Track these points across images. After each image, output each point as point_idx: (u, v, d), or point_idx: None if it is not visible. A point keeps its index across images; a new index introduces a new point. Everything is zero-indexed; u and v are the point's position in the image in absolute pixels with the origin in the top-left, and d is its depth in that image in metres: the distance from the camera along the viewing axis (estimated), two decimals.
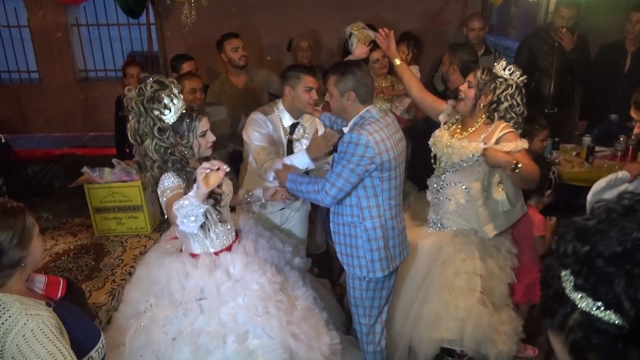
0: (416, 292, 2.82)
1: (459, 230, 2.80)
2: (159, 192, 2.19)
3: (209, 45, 4.44)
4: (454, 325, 2.64)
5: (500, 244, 2.83)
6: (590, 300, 0.71)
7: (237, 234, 2.53)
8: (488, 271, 2.73)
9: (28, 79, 5.91)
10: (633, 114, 2.59)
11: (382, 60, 3.89)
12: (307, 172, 2.76)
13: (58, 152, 5.14)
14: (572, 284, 0.74)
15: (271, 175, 2.66)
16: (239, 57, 3.95)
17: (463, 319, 2.63)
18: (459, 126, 2.76)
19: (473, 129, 2.67)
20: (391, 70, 3.78)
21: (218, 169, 1.88)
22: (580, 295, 0.73)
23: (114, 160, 4.35)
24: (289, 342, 2.24)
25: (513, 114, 2.61)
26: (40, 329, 1.47)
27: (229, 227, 2.45)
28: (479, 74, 2.60)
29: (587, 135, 4.14)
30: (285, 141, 2.90)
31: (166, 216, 2.15)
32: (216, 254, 2.37)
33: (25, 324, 1.46)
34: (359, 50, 3.17)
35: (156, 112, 2.13)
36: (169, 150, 2.17)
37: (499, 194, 2.71)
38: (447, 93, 3.56)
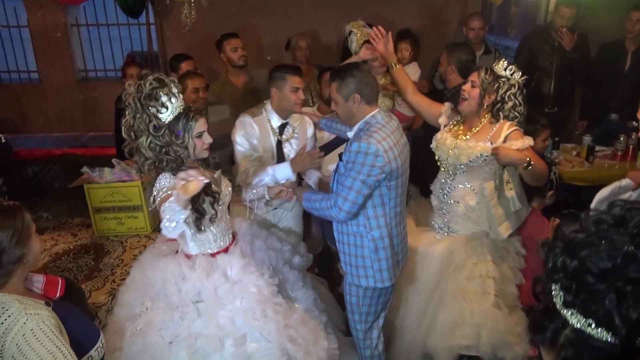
0: (429, 299, 2.75)
1: (469, 235, 2.74)
2: (154, 191, 2.16)
3: (209, 45, 4.44)
4: (470, 331, 2.58)
5: (509, 245, 2.79)
6: (581, 317, 0.69)
7: (234, 236, 2.51)
8: (500, 273, 2.68)
9: (28, 79, 5.92)
10: None
11: (381, 58, 3.86)
12: (300, 179, 2.70)
13: (58, 152, 5.15)
14: (562, 300, 0.71)
15: (254, 181, 2.63)
16: (239, 57, 3.94)
17: (479, 324, 2.57)
18: (461, 127, 2.72)
19: (477, 128, 2.64)
20: None
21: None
22: (570, 312, 0.70)
23: (113, 160, 4.36)
24: (286, 346, 2.22)
25: (516, 113, 2.60)
26: (40, 328, 1.47)
27: (227, 228, 2.43)
28: (482, 73, 2.56)
29: (587, 134, 4.14)
30: (274, 142, 2.86)
31: None
32: (213, 255, 2.35)
33: (25, 323, 1.46)
34: (364, 52, 3.13)
35: (153, 110, 2.11)
36: (164, 150, 2.15)
37: (510, 193, 2.69)
38: (444, 93, 3.54)
